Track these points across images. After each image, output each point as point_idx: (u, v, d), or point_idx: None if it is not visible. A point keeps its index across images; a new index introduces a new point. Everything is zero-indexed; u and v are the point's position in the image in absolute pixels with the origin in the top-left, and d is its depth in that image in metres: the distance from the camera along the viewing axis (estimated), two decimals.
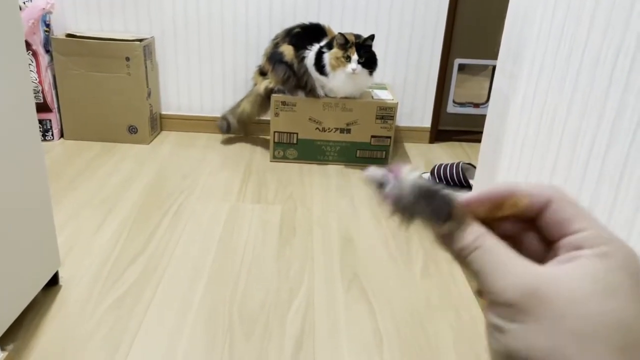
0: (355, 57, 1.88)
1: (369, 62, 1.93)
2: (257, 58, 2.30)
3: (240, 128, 2.22)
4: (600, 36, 0.86)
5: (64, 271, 1.35)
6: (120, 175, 1.95)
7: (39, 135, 1.14)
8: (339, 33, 1.91)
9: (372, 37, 1.93)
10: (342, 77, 1.94)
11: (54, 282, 1.29)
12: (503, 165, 1.24)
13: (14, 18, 1.03)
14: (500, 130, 1.27)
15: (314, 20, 2.17)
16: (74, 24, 2.25)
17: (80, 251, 1.46)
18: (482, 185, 1.37)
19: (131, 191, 1.82)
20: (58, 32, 2.21)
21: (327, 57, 1.94)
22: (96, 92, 2.15)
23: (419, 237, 1.64)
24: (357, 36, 1.93)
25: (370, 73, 1.97)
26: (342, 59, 1.90)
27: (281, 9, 2.24)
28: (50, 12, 2.10)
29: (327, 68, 1.94)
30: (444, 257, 1.53)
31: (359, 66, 1.89)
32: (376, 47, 2.30)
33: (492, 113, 1.33)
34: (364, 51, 1.90)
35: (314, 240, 1.59)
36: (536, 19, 1.10)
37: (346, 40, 1.89)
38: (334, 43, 1.92)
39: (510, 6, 1.24)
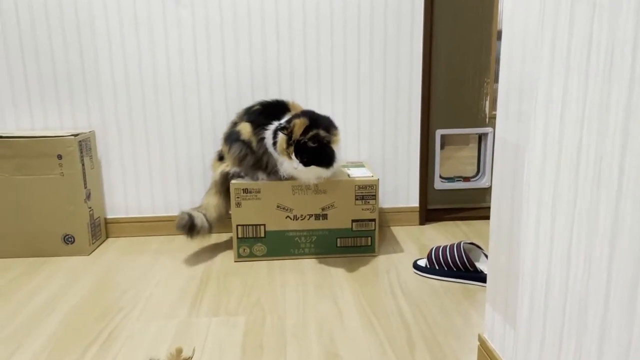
0: (293, 157, 1.60)
1: (315, 160, 1.61)
2: (215, 146, 2.02)
3: (211, 227, 1.79)
4: None
5: None
6: (43, 296, 1.56)
7: None
8: (283, 127, 1.61)
9: (313, 138, 1.59)
10: (289, 167, 1.65)
11: None
12: (528, 233, 0.92)
13: None
14: (515, 190, 0.96)
15: (275, 97, 1.94)
16: (1, 125, 1.97)
17: None
18: (499, 264, 1.03)
19: (52, 316, 1.43)
20: None
21: (278, 139, 1.65)
22: (23, 199, 1.82)
23: (425, 341, 1.26)
24: (306, 129, 1.59)
25: (326, 167, 1.65)
26: (287, 152, 1.62)
27: (237, 87, 2.01)
28: None
29: (278, 150, 1.66)
30: None
31: (301, 165, 1.60)
32: (347, 121, 2.07)
33: (500, 170, 1.03)
34: (306, 152, 1.59)
35: (288, 359, 1.20)
36: (545, 38, 0.84)
37: (290, 136, 1.60)
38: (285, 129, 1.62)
39: (505, 33, 0.99)
